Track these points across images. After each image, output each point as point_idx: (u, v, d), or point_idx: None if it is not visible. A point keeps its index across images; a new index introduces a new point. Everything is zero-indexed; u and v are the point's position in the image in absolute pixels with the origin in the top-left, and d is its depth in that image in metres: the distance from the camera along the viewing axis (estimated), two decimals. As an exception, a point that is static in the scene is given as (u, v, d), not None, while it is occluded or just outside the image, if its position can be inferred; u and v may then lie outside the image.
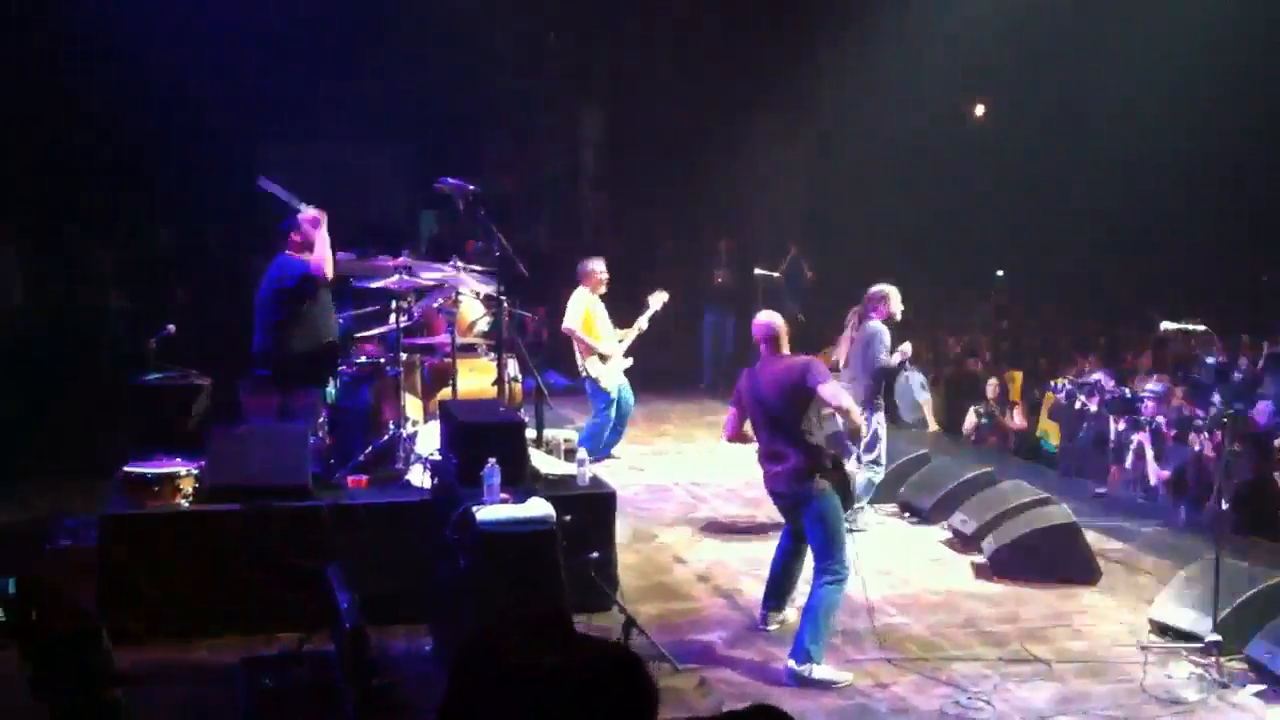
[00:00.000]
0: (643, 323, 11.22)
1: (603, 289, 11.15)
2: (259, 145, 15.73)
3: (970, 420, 13.11)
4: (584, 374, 11.03)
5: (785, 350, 7.09)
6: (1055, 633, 7.38)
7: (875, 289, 9.50)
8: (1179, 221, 16.66)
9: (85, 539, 7.62)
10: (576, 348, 11.01)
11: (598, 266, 11.14)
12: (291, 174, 14.74)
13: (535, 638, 1.75)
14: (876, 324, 9.34)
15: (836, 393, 6.84)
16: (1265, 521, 9.51)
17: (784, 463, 6.84)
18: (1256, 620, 6.79)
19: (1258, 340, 12.76)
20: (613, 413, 11.10)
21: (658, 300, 11.27)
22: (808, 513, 6.80)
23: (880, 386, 9.42)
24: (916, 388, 13.42)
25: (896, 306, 9.41)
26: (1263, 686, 6.45)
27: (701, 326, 16.05)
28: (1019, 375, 13.84)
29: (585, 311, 10.99)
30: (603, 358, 10.97)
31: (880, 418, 9.43)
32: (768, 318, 7.17)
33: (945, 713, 6.20)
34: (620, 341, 11.11)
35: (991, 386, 13.26)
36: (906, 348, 9.41)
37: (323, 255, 8.16)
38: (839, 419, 7.49)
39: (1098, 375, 12.06)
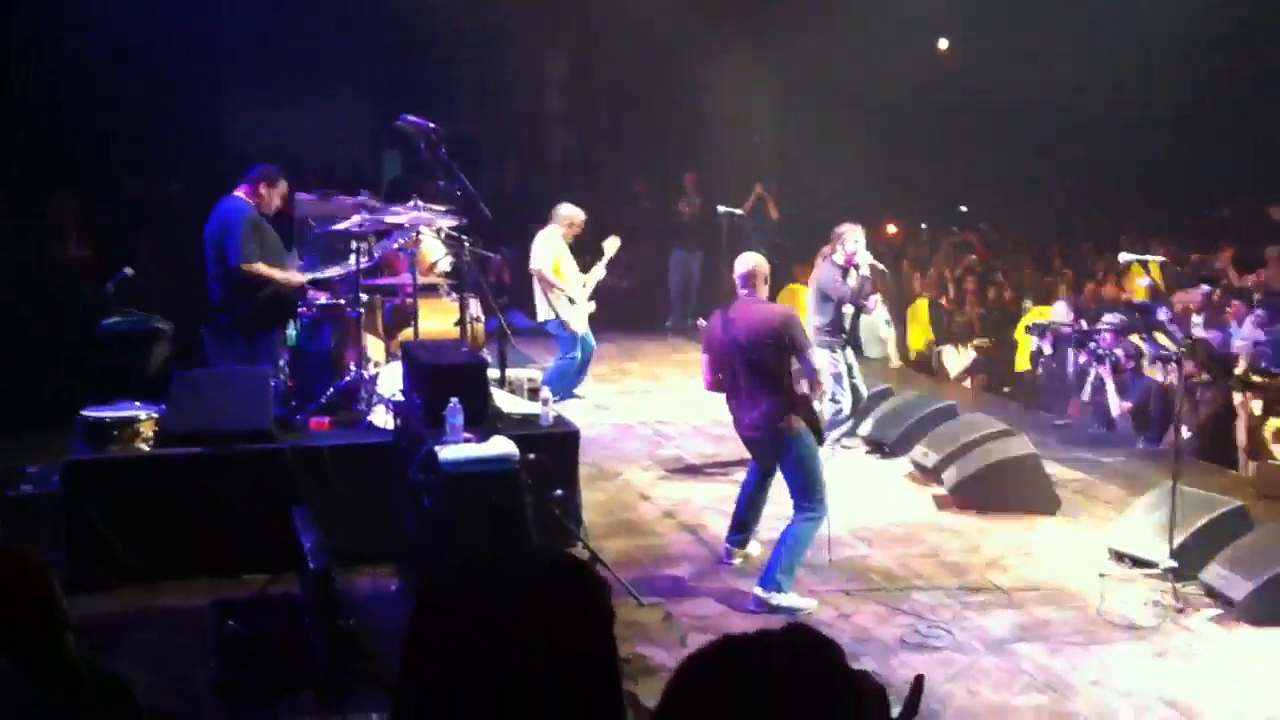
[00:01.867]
0: (600, 269, 11.21)
1: (573, 236, 11.13)
2: (222, 92, 15.54)
3: (961, 360, 13.10)
4: (551, 316, 11.01)
5: (763, 294, 7.08)
6: (1015, 562, 7.48)
7: (836, 228, 9.51)
8: (1147, 155, 16.72)
9: (47, 485, 7.59)
10: (540, 289, 10.98)
11: (577, 215, 11.12)
12: (255, 118, 14.68)
13: (493, 570, 1.77)
14: (829, 263, 9.36)
15: (817, 363, 6.87)
16: (1225, 450, 9.63)
17: (758, 407, 6.85)
18: (1213, 547, 6.90)
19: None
20: (578, 354, 11.11)
21: (612, 246, 11.24)
22: (786, 456, 6.83)
23: (840, 323, 9.43)
24: (881, 324, 13.46)
25: (853, 246, 9.33)
26: (1218, 610, 6.57)
27: (668, 264, 16.02)
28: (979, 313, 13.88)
29: (556, 255, 10.97)
30: (570, 300, 10.96)
31: (845, 355, 9.46)
32: (750, 258, 7.15)
33: (906, 641, 6.30)
34: (584, 286, 11.10)
35: (967, 319, 13.26)
36: (866, 267, 9.34)
37: (270, 273, 8.29)
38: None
39: (1060, 304, 12.13)
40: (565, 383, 10.92)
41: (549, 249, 11.00)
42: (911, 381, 11.89)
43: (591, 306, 11.22)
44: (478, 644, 1.65)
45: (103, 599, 6.72)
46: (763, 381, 6.82)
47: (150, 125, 14.48)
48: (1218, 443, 9.80)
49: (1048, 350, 11.66)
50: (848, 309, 9.41)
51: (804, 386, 6.86)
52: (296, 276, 8.47)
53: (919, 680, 1.87)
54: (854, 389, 9.56)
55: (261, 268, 8.27)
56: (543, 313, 11.08)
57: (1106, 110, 17.05)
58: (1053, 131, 17.39)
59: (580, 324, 11.09)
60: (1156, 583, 6.86)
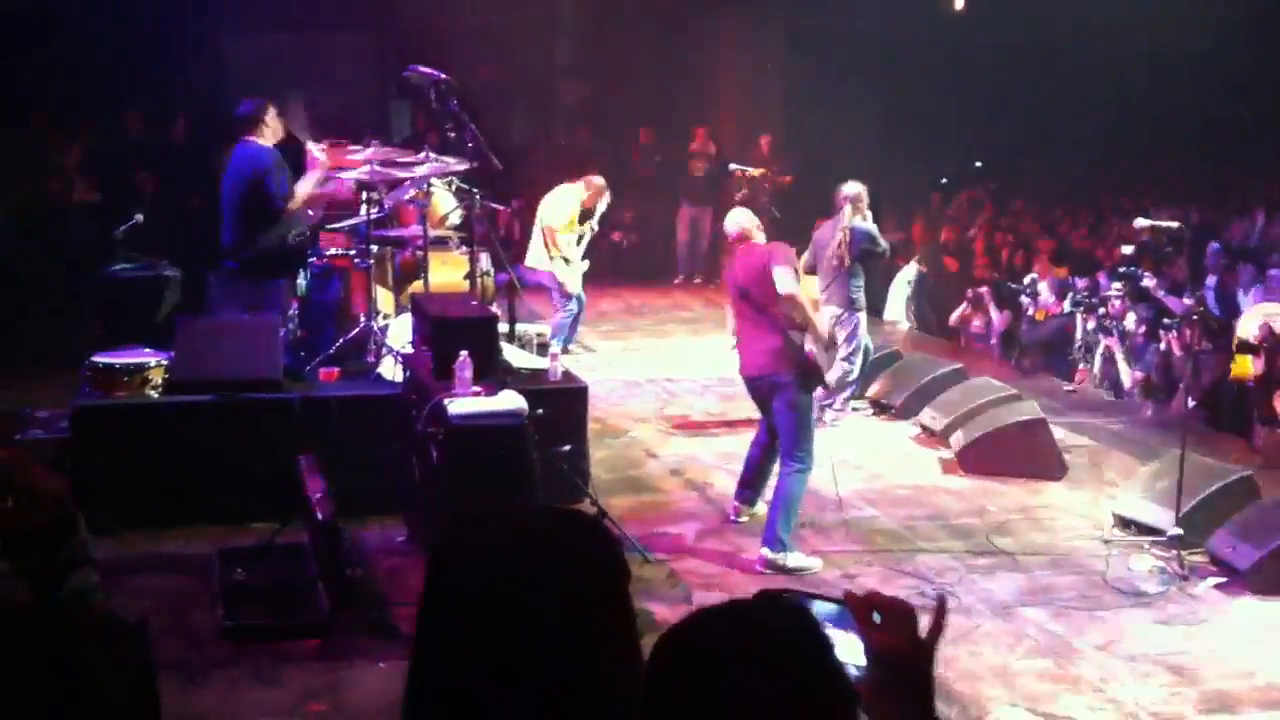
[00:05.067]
0: (592, 225, 11.23)
1: (591, 204, 11.15)
2: (224, 34, 15.43)
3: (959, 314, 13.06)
4: (546, 269, 11.03)
5: (760, 239, 7.14)
6: (1021, 526, 7.49)
7: (846, 189, 9.37)
8: (1163, 118, 16.59)
9: (56, 430, 7.59)
10: (547, 240, 10.95)
11: (604, 188, 11.15)
12: (260, 63, 14.59)
13: (508, 526, 1.77)
14: (848, 221, 9.27)
15: (786, 280, 6.78)
16: (1232, 419, 9.61)
17: (757, 346, 6.88)
18: (1219, 515, 6.90)
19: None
20: (574, 307, 11.14)
21: (603, 201, 11.25)
22: (779, 399, 6.83)
23: (858, 284, 9.33)
24: (903, 283, 13.37)
25: (858, 203, 9.27)
26: (1223, 579, 6.57)
27: (677, 219, 15.95)
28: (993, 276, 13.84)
29: (571, 214, 11.02)
30: (566, 260, 10.99)
31: (861, 317, 9.37)
32: (736, 215, 7.28)
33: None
34: (579, 243, 11.14)
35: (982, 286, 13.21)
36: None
37: (305, 193, 8.16)
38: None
39: (1035, 278, 12.13)
40: (563, 334, 10.98)
41: (566, 207, 11.01)
42: (925, 345, 11.83)
43: (585, 265, 11.25)
44: (494, 600, 1.65)
45: (108, 544, 6.72)
46: (759, 320, 6.86)
47: (154, 67, 14.37)
48: (1224, 410, 9.79)
49: (1067, 308, 11.60)
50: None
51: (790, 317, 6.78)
52: (341, 190, 8.39)
53: (942, 600, 1.91)
54: (865, 350, 9.54)
55: (300, 193, 8.20)
56: (539, 263, 11.08)
57: (1126, 61, 16.80)
58: (1069, 82, 17.20)
59: (576, 284, 11.12)
60: (1162, 550, 6.86)
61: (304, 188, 8.19)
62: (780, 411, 6.86)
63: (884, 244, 9.54)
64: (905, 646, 1.80)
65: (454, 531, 1.82)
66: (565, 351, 11.01)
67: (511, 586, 1.66)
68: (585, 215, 11.19)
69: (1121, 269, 11.26)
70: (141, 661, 2.25)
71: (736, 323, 7.23)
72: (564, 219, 10.94)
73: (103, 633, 2.00)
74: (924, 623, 1.80)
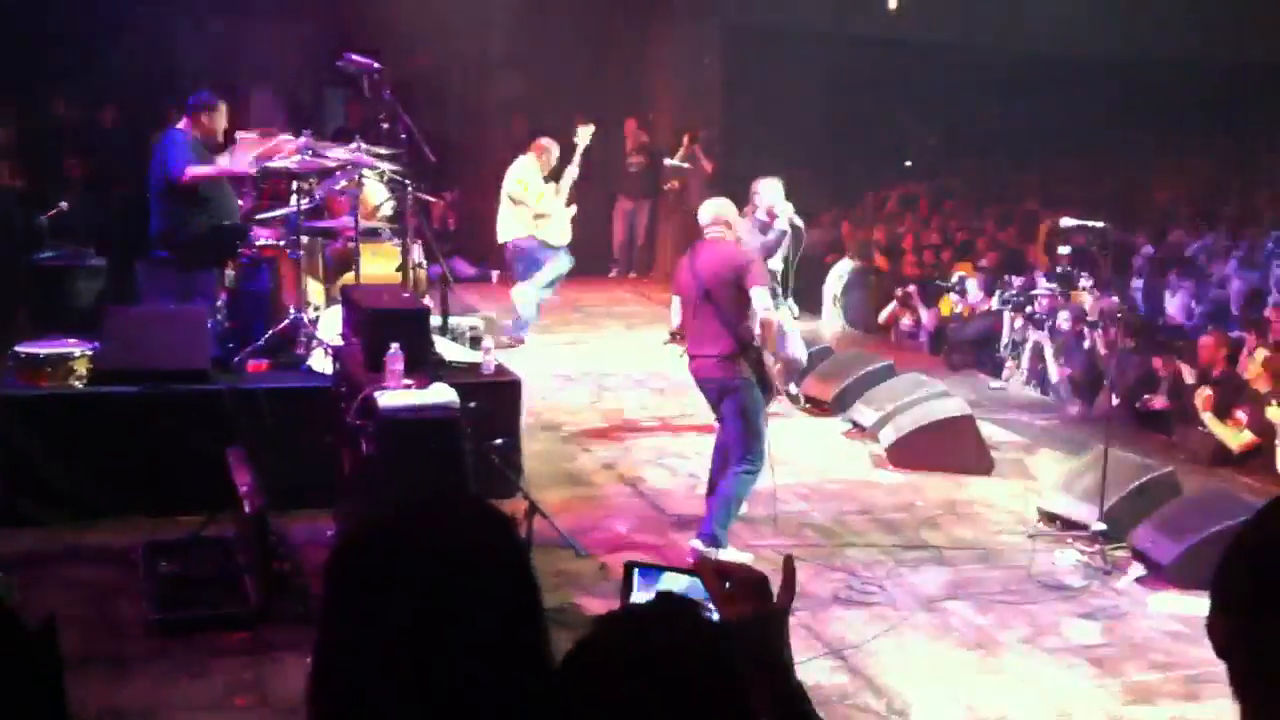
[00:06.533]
0: (575, 167, 11.59)
1: (547, 166, 11.57)
2: (157, 19, 15.17)
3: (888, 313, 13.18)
4: (523, 235, 11.41)
5: (730, 236, 6.99)
6: (948, 521, 7.58)
7: (753, 184, 9.05)
8: (1094, 123, 16.83)
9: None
10: (512, 209, 11.42)
11: (552, 145, 11.63)
12: (198, 52, 14.38)
13: (411, 512, 1.77)
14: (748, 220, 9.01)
15: (766, 301, 6.76)
16: (1153, 416, 9.79)
17: (713, 347, 6.81)
18: (1141, 510, 7.02)
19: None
20: (546, 277, 11.52)
21: (585, 135, 11.48)
22: (730, 403, 6.82)
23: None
24: (834, 280, 13.44)
25: (771, 199, 8.86)
26: (1145, 573, 6.69)
27: (614, 213, 15.94)
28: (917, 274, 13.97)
29: (523, 177, 11.47)
30: (539, 216, 11.40)
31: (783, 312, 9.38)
32: (714, 204, 7.09)
33: (839, 597, 6.36)
34: (557, 195, 11.47)
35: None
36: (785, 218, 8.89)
37: (204, 171, 8.13)
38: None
39: (964, 276, 12.31)
40: (532, 299, 11.47)
41: (518, 171, 11.50)
42: (856, 341, 11.94)
43: (572, 210, 11.64)
44: (389, 587, 1.64)
45: (34, 535, 6.64)
46: (719, 322, 6.77)
47: (88, 51, 14.12)
48: (1145, 407, 9.96)
49: (991, 306, 11.76)
50: (775, 265, 8.93)
51: (756, 326, 6.77)
52: (240, 167, 8.31)
53: (789, 561, 1.93)
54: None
55: (202, 169, 8.11)
56: (512, 231, 11.42)
57: (1055, 62, 17.02)
58: (1003, 83, 17.40)
59: (558, 235, 11.53)
60: (1086, 545, 6.98)
61: (213, 167, 8.15)
62: (729, 416, 6.86)
63: (771, 238, 8.87)
64: (754, 616, 1.82)
65: (362, 518, 1.81)
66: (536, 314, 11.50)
67: (408, 574, 1.65)
68: (554, 175, 11.58)
69: (1059, 269, 11.47)
70: (47, 665, 2.18)
71: (689, 320, 6.97)
72: (514, 183, 11.44)
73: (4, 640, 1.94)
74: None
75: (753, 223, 8.87)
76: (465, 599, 1.65)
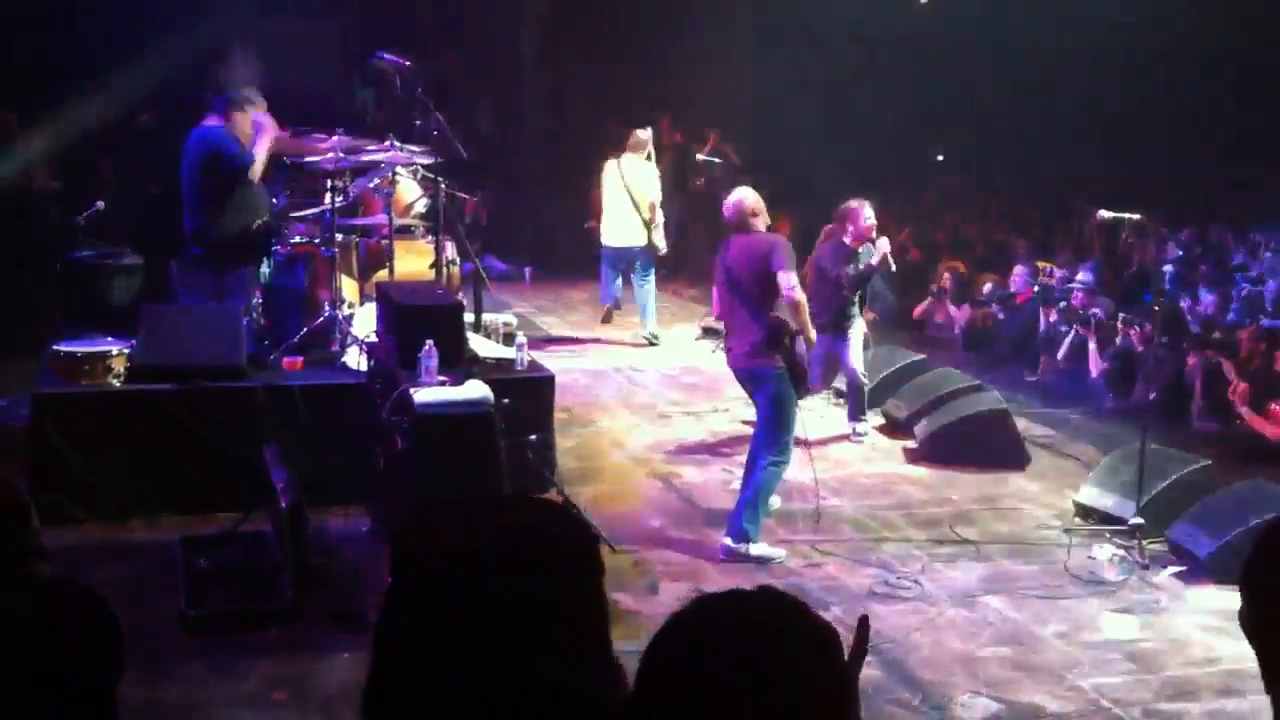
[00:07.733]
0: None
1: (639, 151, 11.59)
2: (194, 19, 15.28)
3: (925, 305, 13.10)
4: (644, 244, 11.53)
5: (759, 226, 6.91)
6: (983, 515, 7.54)
7: (847, 204, 8.90)
8: (1128, 114, 16.66)
9: (15, 418, 7.53)
10: (650, 217, 11.48)
11: (645, 135, 11.70)
12: (225, 49, 14.45)
13: (469, 519, 1.75)
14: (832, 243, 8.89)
15: (794, 286, 6.71)
16: (1190, 409, 9.70)
17: (746, 337, 6.78)
18: (1179, 505, 6.97)
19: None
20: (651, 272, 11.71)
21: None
22: (762, 392, 6.80)
23: (848, 302, 8.84)
24: (883, 287, 13.36)
25: (866, 223, 8.76)
26: (1182, 567, 6.64)
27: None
28: (960, 265, 13.88)
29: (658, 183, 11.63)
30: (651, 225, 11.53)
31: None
32: (737, 194, 7.02)
33: (874, 591, 6.34)
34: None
35: (944, 278, 13.23)
36: (884, 243, 8.77)
37: (263, 155, 8.11)
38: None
39: (1019, 269, 12.21)
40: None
41: (652, 176, 11.59)
42: (890, 335, 11.86)
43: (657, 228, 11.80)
44: (460, 592, 1.63)
45: (69, 533, 6.67)
46: (751, 313, 6.74)
47: (122, 53, 14.22)
48: (1184, 402, 9.87)
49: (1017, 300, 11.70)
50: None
51: (784, 313, 6.71)
52: (270, 133, 8.32)
53: (864, 621, 1.81)
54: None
55: (259, 155, 8.14)
56: (634, 238, 11.53)
57: (1092, 55, 16.87)
58: (1036, 78, 17.26)
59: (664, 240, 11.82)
60: (1123, 539, 6.93)
61: (260, 151, 8.16)
62: (762, 404, 6.84)
63: (861, 267, 8.76)
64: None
65: (418, 521, 1.80)
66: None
67: (479, 577, 1.64)
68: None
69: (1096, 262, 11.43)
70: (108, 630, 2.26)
71: (724, 312, 7.02)
72: (658, 189, 11.54)
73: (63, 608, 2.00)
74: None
75: (835, 245, 8.82)
76: (535, 607, 1.64)
